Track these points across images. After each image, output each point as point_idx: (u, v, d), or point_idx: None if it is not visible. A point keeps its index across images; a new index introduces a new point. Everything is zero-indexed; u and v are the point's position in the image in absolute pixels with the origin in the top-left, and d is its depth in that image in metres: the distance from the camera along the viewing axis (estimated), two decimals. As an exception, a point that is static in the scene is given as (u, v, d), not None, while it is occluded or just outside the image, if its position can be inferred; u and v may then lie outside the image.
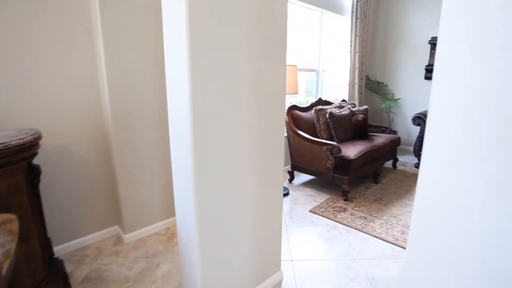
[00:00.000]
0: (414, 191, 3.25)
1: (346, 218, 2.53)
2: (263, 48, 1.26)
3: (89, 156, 1.95)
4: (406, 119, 4.68)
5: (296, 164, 3.25)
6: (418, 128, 3.98)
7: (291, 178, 3.40)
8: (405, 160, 4.27)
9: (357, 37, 4.13)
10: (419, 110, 4.44)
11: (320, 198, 2.97)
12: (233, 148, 1.25)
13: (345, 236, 2.26)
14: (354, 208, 2.72)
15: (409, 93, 4.57)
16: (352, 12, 4.02)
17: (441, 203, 0.79)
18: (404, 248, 2.10)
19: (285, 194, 3.02)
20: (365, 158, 3.01)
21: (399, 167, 3.97)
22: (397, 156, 4.00)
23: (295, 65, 2.77)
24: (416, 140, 3.85)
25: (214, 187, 1.22)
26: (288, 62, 3.33)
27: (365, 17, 4.21)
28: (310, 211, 2.66)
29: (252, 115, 1.29)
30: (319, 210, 2.67)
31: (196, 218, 1.19)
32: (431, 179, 0.81)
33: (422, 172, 0.84)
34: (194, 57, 1.03)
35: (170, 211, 2.31)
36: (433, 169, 0.80)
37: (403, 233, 2.29)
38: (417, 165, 3.92)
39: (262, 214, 1.49)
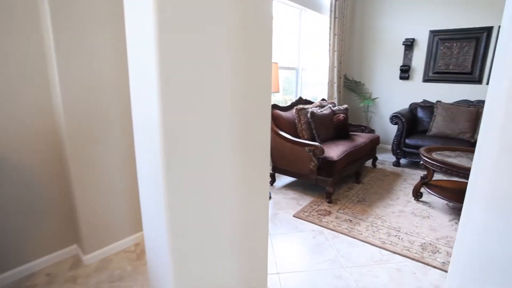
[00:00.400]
0: (394, 190, 3.29)
1: (332, 222, 2.45)
2: (246, 40, 1.11)
3: (37, 167, 1.66)
4: (383, 118, 4.74)
5: (278, 166, 3.13)
6: (395, 127, 4.04)
7: (272, 180, 3.29)
8: (384, 158, 4.32)
9: (336, 36, 4.10)
10: (395, 109, 4.51)
11: (303, 201, 2.88)
12: (211, 151, 1.09)
13: (332, 241, 2.17)
14: (339, 211, 2.65)
15: (385, 92, 4.64)
16: (331, 11, 3.98)
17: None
18: (391, 251, 2.05)
19: (267, 199, 2.90)
20: (348, 158, 2.96)
21: (378, 165, 4.00)
22: (377, 155, 4.03)
23: (276, 63, 2.65)
24: (394, 139, 3.89)
25: (189, 198, 1.05)
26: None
27: (343, 16, 4.20)
28: (294, 216, 2.55)
29: (235, 114, 1.14)
30: (303, 214, 2.57)
31: (168, 238, 1.01)
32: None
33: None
34: (164, 44, 0.86)
35: (139, 224, 2.08)
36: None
37: (389, 236, 2.25)
38: (395, 163, 3.97)
39: (246, 228, 1.34)
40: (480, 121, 3.58)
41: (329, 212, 2.63)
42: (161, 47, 0.84)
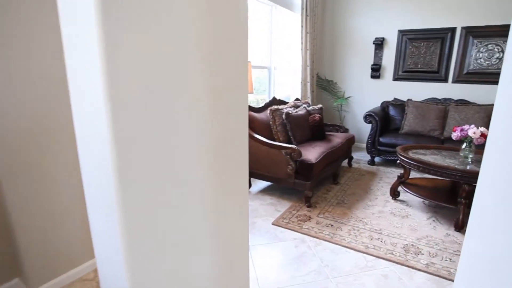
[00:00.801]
0: (372, 190, 3.30)
1: (313, 228, 2.35)
2: (218, 39, 0.95)
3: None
4: (356, 117, 4.80)
5: (253, 171, 2.99)
6: (368, 125, 4.09)
7: (248, 185, 3.14)
8: (358, 157, 4.35)
9: (308, 34, 4.06)
10: (368, 107, 4.58)
11: (281, 206, 2.76)
12: (176, 164, 0.91)
13: (315, 250, 2.07)
14: (319, 215, 2.57)
15: (357, 91, 4.70)
16: (302, 9, 3.93)
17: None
18: (376, 256, 2.00)
19: (244, 206, 2.74)
20: (326, 160, 2.90)
21: (354, 165, 4.01)
22: (352, 154, 4.04)
23: (249, 61, 2.51)
24: (369, 138, 3.93)
25: (150, 217, 0.87)
26: None
27: (314, 15, 4.17)
28: (273, 223, 2.43)
29: (207, 121, 0.97)
30: (283, 221, 2.45)
31: (126, 269, 0.82)
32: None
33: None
34: (110, 33, 0.67)
35: (102, 245, 1.83)
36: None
37: (371, 239, 2.20)
38: (370, 162, 4.00)
39: (223, 246, 1.18)
40: (448, 118, 3.74)
41: (309, 217, 2.54)
42: (107, 50, 0.65)
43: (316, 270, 1.85)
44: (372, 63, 4.44)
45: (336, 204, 2.79)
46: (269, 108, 3.04)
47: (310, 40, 4.15)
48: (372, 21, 4.32)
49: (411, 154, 2.69)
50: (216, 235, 1.12)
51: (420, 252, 2.05)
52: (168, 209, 0.89)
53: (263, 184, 3.29)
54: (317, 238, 2.21)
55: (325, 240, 2.18)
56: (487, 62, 3.70)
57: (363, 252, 2.04)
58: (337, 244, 2.14)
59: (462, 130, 2.31)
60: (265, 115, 3.12)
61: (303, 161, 2.64)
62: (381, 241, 2.17)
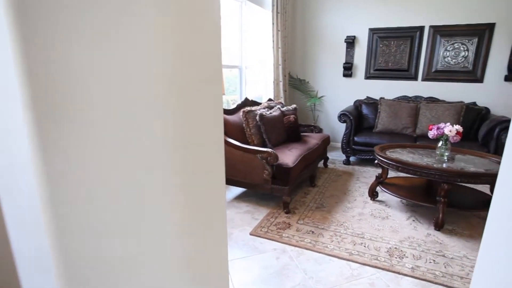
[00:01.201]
0: (350, 191, 3.26)
1: (293, 236, 2.23)
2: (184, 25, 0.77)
3: None
4: (329, 116, 4.80)
5: (227, 177, 2.82)
6: (342, 124, 4.08)
7: (223, 193, 2.96)
8: (333, 157, 4.34)
9: (279, 32, 3.97)
10: (341, 106, 4.59)
11: (259, 214, 2.62)
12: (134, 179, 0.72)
13: (297, 261, 1.94)
14: (299, 222, 2.46)
15: (330, 90, 4.70)
16: (273, 5, 3.82)
17: None
18: (360, 263, 1.92)
19: (219, 216, 2.56)
20: (303, 162, 2.80)
21: (329, 165, 3.98)
22: (327, 155, 4.01)
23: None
24: (343, 137, 3.91)
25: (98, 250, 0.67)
26: None
27: (285, 12, 4.09)
28: (251, 234, 2.27)
29: (170, 125, 0.79)
30: (261, 231, 2.31)
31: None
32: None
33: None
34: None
35: None
36: None
37: (354, 244, 2.12)
38: (345, 162, 4.00)
39: (198, 266, 1.00)
40: (419, 116, 3.84)
41: (289, 224, 2.42)
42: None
43: (300, 284, 1.73)
44: (344, 61, 4.46)
45: (316, 208, 2.70)
46: (242, 110, 2.89)
47: (282, 38, 4.06)
48: (343, 19, 4.33)
49: (388, 153, 2.67)
50: (189, 255, 0.94)
51: (404, 255, 2.01)
52: (127, 235, 0.70)
53: (239, 190, 3.12)
54: (299, 247, 2.09)
55: (307, 249, 2.07)
56: (454, 60, 3.85)
57: (348, 260, 1.95)
58: (320, 252, 2.03)
59: (438, 128, 2.32)
60: (237, 118, 2.96)
61: (280, 165, 2.52)
62: (365, 246, 2.10)
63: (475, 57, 3.75)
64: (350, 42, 4.32)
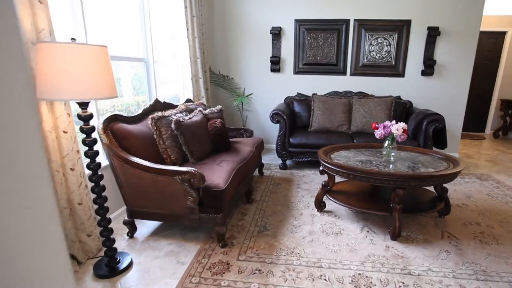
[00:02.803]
0: (293, 202, 2.88)
1: (236, 282, 1.72)
2: None
3: None
4: (259, 116, 4.45)
5: (136, 209, 2.13)
6: (275, 125, 3.78)
7: (132, 230, 2.25)
8: (268, 161, 3.99)
9: (194, 18, 3.39)
10: (271, 105, 4.29)
11: (186, 254, 2.01)
12: None
13: (245, 326, 1.44)
14: (240, 257, 1.95)
15: (257, 87, 4.34)
16: (182, -16, 3.22)
17: None
18: (326, 308, 1.53)
19: (125, 269, 1.86)
20: (238, 178, 2.31)
21: (265, 172, 3.61)
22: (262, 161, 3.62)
23: (105, 46, 1.63)
24: (278, 140, 3.58)
25: None
26: (83, 37, 2.08)
27: (198, -6, 3.53)
28: (176, 292, 1.66)
29: None
30: (192, 283, 1.72)
31: None
32: None
33: None
34: None
35: None
36: None
37: (313, 280, 1.73)
38: (282, 166, 3.68)
39: None
40: (353, 112, 3.78)
41: (228, 264, 1.89)
42: None
43: None
44: (271, 55, 4.15)
45: (258, 234, 2.25)
46: (151, 117, 2.23)
47: (198, 25, 3.49)
48: (267, 8, 4.01)
49: (334, 157, 2.40)
50: None
51: (371, 282, 1.71)
52: None
53: (155, 224, 2.44)
54: (245, 301, 1.59)
55: (257, 302, 1.58)
56: (378, 55, 3.92)
57: (309, 307, 1.54)
58: (273, 303, 1.57)
59: (385, 127, 2.13)
60: (145, 126, 2.28)
61: (209, 187, 1.97)
62: (326, 279, 1.73)
63: (396, 52, 3.88)
64: (276, 34, 4.02)
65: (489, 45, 5.61)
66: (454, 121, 4.03)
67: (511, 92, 5.74)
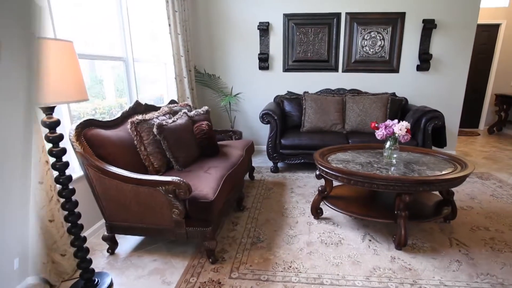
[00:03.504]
0: (287, 209, 2.74)
1: (228, 306, 1.57)
2: None
3: None
4: (247, 116, 4.30)
5: (116, 223, 1.95)
6: (265, 125, 3.64)
7: (112, 246, 2.07)
8: (258, 164, 3.85)
9: (176, 14, 3.21)
10: (260, 104, 4.15)
11: (172, 272, 1.85)
12: None
13: None
14: (233, 275, 1.80)
15: (245, 86, 4.19)
16: (162, -25, 3.04)
17: None
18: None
19: (105, 295, 1.68)
20: (228, 186, 2.16)
21: (256, 176, 3.47)
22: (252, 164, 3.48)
23: (70, 41, 1.45)
24: (269, 142, 3.44)
25: None
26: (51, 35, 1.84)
27: (181, -13, 3.36)
28: (161, 320, 1.50)
29: None
30: (177, 309, 1.56)
31: None
32: None
33: None
34: None
35: None
36: None
37: (314, 299, 1.60)
38: (273, 169, 3.55)
39: None
40: (347, 110, 3.67)
41: (219, 283, 1.74)
42: None
43: None
44: (259, 52, 4.01)
45: (252, 246, 2.10)
46: (130, 121, 2.05)
47: (181, 21, 3.32)
48: (254, 2, 3.86)
49: (331, 160, 2.28)
50: None
51: (377, 300, 1.59)
52: None
53: (138, 238, 2.26)
54: (240, 328, 1.44)
55: (253, 328, 1.44)
56: (371, 50, 3.83)
57: (312, 332, 1.41)
58: (271, 329, 1.43)
59: (387, 127, 2.01)
60: (124, 132, 2.10)
61: (196, 199, 1.81)
62: (327, 298, 1.60)
63: (390, 46, 3.80)
64: (264, 29, 3.88)
65: (483, 38, 5.61)
66: (451, 118, 3.98)
67: (505, 86, 5.76)
